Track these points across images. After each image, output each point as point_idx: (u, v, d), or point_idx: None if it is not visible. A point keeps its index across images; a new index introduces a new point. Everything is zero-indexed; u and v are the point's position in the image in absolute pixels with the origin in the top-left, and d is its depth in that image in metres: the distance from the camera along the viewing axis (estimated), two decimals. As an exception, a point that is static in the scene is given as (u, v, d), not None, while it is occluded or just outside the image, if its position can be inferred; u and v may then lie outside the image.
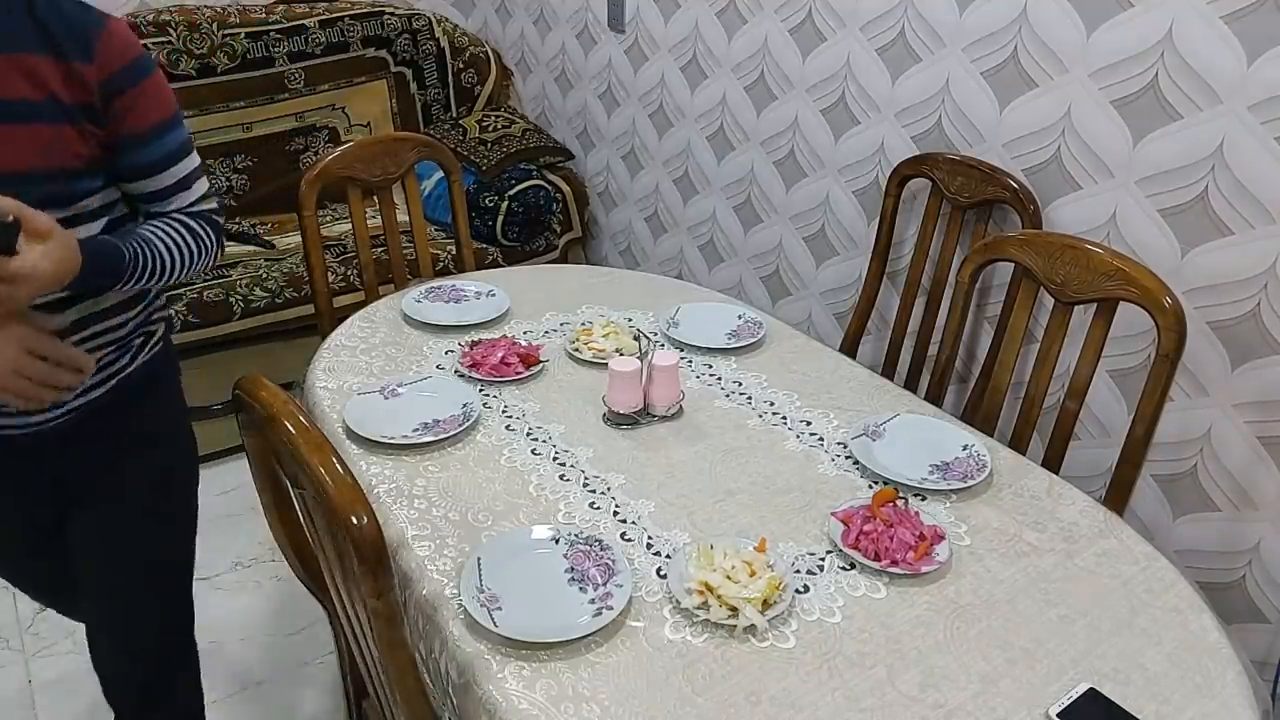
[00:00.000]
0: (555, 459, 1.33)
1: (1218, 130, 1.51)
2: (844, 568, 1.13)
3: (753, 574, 1.06)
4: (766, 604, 1.04)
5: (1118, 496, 1.46)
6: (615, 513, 1.22)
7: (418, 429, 1.36)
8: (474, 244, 2.59)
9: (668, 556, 1.14)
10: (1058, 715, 0.93)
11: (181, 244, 1.16)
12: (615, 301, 1.82)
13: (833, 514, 1.19)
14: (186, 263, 1.16)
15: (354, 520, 0.86)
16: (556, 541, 1.14)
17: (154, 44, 2.70)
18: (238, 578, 2.18)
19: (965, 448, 1.35)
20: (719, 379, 1.55)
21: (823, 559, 1.15)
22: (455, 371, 1.54)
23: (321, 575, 1.12)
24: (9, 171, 0.99)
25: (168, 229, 1.15)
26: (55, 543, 1.25)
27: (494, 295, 1.79)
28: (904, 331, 2.04)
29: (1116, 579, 1.12)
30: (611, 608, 1.03)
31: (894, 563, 1.11)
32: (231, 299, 2.44)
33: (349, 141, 2.04)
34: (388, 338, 1.65)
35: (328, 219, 2.91)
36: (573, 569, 1.10)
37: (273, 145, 2.96)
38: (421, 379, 1.49)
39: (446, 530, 1.18)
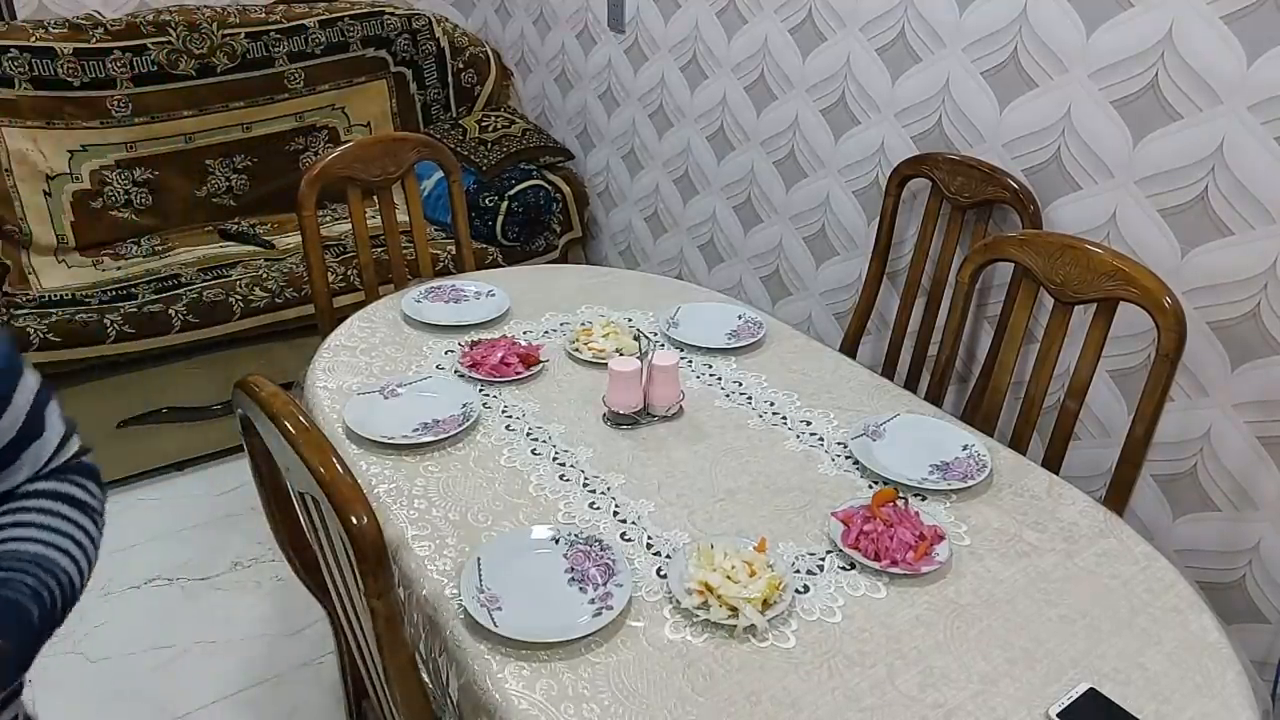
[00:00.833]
0: (555, 459, 1.33)
1: (1218, 130, 1.51)
2: (844, 568, 1.13)
3: (753, 574, 1.06)
4: (766, 604, 1.04)
5: (1118, 496, 1.46)
6: (615, 513, 1.22)
7: (417, 429, 1.36)
8: (474, 244, 2.59)
9: (668, 556, 1.14)
10: (1058, 715, 0.93)
11: (74, 531, 0.82)
12: (615, 302, 1.82)
13: (833, 514, 1.19)
14: (91, 555, 0.84)
15: (354, 520, 0.86)
16: (556, 542, 1.14)
17: (154, 44, 2.70)
18: (238, 578, 2.18)
19: (965, 448, 1.35)
20: (719, 379, 1.55)
21: (823, 559, 1.15)
22: (455, 371, 1.54)
23: (321, 575, 1.12)
24: None
25: (44, 521, 0.81)
26: None
27: (494, 295, 1.79)
28: (904, 331, 2.04)
29: (1116, 579, 1.12)
30: (611, 608, 1.03)
31: (894, 563, 1.11)
32: (231, 299, 2.43)
33: (349, 141, 2.05)
34: (387, 338, 1.65)
35: (327, 219, 2.91)
36: (573, 569, 1.10)
37: (272, 145, 2.96)
38: (421, 379, 1.49)
39: (446, 530, 1.18)
